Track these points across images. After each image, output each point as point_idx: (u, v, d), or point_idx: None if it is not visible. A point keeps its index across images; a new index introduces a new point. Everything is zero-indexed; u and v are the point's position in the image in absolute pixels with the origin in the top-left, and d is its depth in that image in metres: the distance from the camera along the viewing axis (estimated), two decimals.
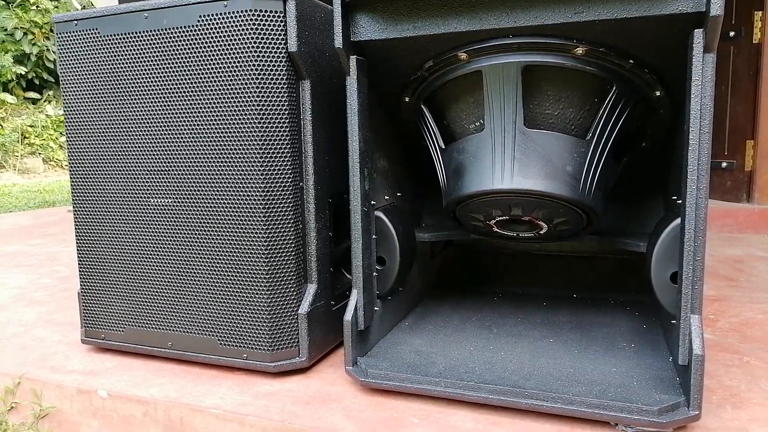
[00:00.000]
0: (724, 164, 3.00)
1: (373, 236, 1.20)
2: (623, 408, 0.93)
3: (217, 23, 1.12)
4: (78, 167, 1.30)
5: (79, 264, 1.33)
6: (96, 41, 1.23)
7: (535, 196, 1.05)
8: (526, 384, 1.01)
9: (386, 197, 1.31)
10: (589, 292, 1.58)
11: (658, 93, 1.08)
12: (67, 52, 1.26)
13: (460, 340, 1.26)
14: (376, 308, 1.24)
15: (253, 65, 1.11)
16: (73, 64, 1.26)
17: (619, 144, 1.11)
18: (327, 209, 1.24)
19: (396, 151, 1.37)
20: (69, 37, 1.25)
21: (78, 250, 1.33)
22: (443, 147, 1.17)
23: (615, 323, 1.35)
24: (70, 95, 1.28)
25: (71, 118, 1.28)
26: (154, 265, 1.25)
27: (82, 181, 1.30)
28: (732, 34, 2.89)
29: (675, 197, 1.11)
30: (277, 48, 1.11)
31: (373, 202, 1.20)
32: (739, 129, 2.87)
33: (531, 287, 1.64)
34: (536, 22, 0.96)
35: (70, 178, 1.30)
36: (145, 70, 1.19)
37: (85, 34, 1.23)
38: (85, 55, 1.24)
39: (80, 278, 1.33)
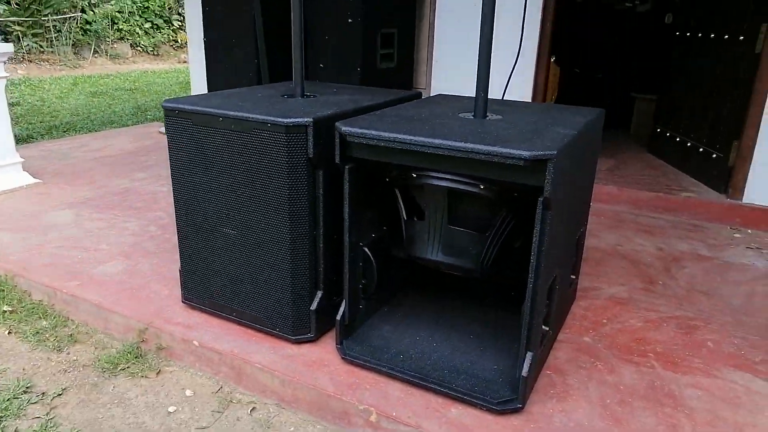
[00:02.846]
0: (714, 155, 3.37)
1: (360, 263, 1.88)
2: (480, 398, 1.64)
3: (265, 134, 1.75)
4: (179, 203, 2.02)
5: (180, 256, 2.11)
6: (188, 126, 1.89)
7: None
8: (433, 375, 1.73)
9: (372, 234, 1.96)
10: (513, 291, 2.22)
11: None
12: (171, 128, 1.94)
13: (411, 329, 1.97)
14: (360, 306, 1.96)
15: (285, 161, 1.75)
16: (175, 137, 1.94)
17: (510, 236, 1.71)
18: (332, 245, 1.92)
19: (382, 204, 1.99)
20: (173, 119, 1.92)
21: (180, 249, 2.10)
22: (405, 218, 1.81)
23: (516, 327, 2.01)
24: (173, 157, 1.97)
25: (175, 172, 1.99)
26: (224, 268, 2.01)
27: (182, 213, 2.03)
28: (741, 38, 3.13)
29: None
30: (301, 152, 1.74)
31: (360, 243, 1.87)
32: (730, 128, 3.21)
33: (473, 291, 2.27)
34: (453, 170, 1.54)
35: (175, 208, 2.03)
36: (220, 151, 1.86)
37: (183, 121, 1.90)
38: (182, 133, 1.91)
39: (181, 263, 2.11)
